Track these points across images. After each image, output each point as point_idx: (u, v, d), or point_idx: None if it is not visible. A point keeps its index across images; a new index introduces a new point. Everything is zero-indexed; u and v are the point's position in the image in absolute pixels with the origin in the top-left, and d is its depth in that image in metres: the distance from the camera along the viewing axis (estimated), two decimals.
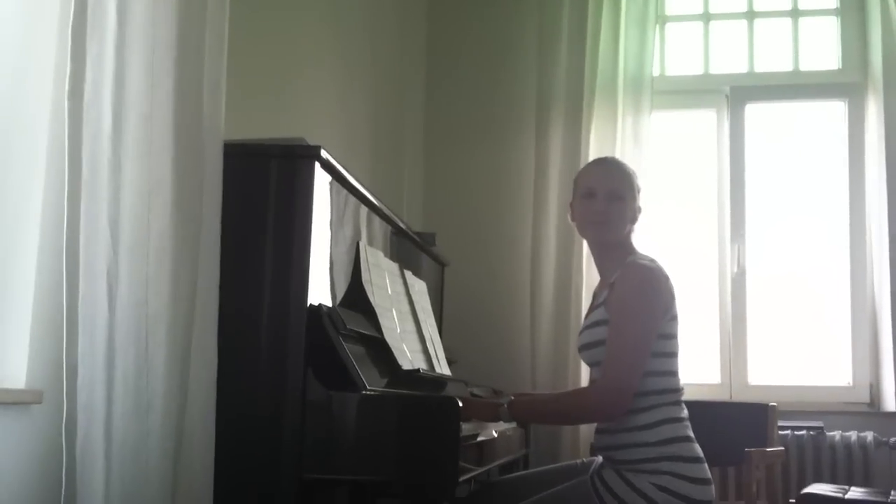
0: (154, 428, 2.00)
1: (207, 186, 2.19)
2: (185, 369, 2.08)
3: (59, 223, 1.92)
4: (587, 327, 2.52)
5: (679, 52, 4.79)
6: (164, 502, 2.00)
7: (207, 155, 2.20)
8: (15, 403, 1.84)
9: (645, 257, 2.50)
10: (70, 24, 1.88)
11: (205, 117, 2.21)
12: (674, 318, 2.44)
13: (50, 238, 1.91)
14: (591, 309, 2.56)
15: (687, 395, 2.48)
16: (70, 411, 1.84)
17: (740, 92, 4.65)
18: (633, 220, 2.55)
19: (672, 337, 2.44)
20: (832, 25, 4.64)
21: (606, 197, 2.51)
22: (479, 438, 2.48)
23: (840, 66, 4.58)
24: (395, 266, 2.88)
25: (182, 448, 2.07)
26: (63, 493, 1.83)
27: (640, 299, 2.39)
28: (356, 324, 2.37)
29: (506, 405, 2.42)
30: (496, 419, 2.46)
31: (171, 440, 2.03)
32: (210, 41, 2.23)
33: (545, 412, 2.60)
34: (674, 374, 2.44)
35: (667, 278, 2.45)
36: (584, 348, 2.53)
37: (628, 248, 2.52)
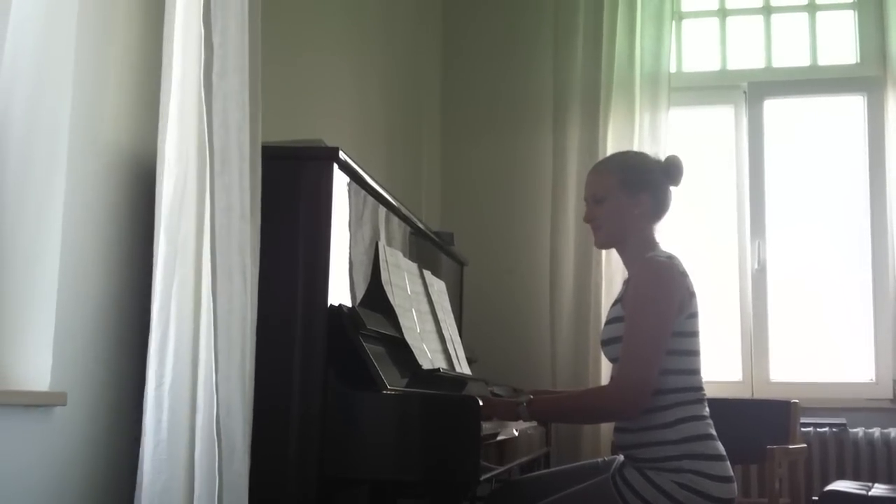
0: (237, 425, 2.03)
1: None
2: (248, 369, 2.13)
3: (83, 222, 1.95)
4: (607, 323, 2.51)
5: (696, 49, 4.77)
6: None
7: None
8: (39, 405, 1.86)
9: (663, 253, 2.47)
10: (200, 11, 1.99)
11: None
12: (692, 315, 2.41)
13: (72, 239, 1.93)
14: (612, 305, 2.55)
15: (708, 393, 2.46)
16: (217, 404, 1.96)
17: (758, 87, 4.63)
18: (633, 214, 2.47)
19: (691, 335, 2.41)
20: (849, 19, 4.62)
21: (591, 202, 2.53)
22: (500, 437, 2.47)
23: (858, 60, 4.55)
24: (414, 266, 2.88)
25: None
26: (217, 484, 1.92)
27: (653, 295, 2.37)
28: (376, 324, 2.38)
29: (525, 404, 2.42)
30: (516, 418, 2.45)
31: (247, 437, 2.08)
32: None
33: (564, 411, 2.59)
34: (695, 372, 2.42)
35: (683, 275, 2.42)
36: (604, 344, 2.52)
37: (648, 244, 2.49)
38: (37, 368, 1.87)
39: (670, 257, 2.45)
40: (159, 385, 1.98)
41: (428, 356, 2.58)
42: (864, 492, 3.28)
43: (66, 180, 1.92)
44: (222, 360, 1.97)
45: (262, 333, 2.17)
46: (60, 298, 1.90)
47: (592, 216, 2.52)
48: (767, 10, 4.72)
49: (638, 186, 2.49)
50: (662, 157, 2.56)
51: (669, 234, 2.58)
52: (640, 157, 2.68)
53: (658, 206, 2.52)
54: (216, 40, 2.02)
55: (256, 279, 2.11)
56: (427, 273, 3.00)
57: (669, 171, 2.52)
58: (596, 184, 2.53)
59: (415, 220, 3.00)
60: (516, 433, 2.67)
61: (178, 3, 2.08)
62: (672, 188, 2.54)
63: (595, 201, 2.52)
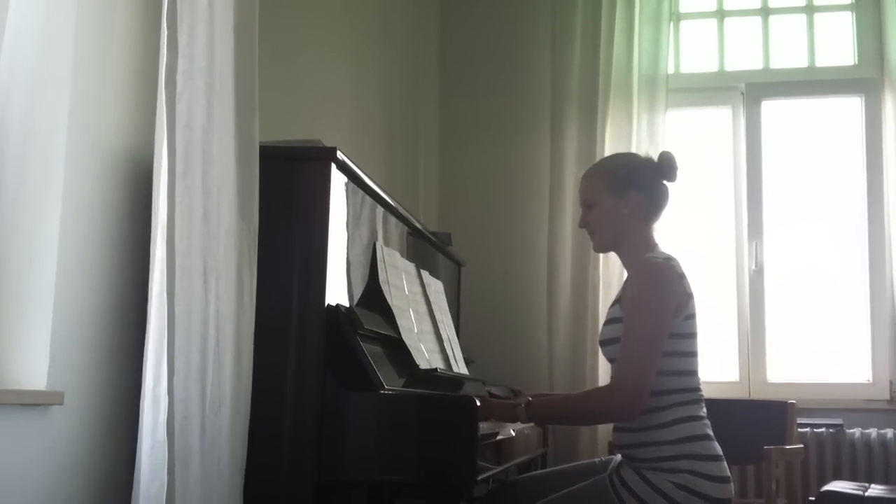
0: (224, 425, 2.03)
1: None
2: (243, 369, 2.12)
3: (81, 224, 1.95)
4: (606, 324, 2.51)
5: (694, 50, 4.78)
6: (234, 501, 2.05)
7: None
8: (36, 405, 1.86)
9: (662, 254, 2.47)
10: (164, 12, 1.98)
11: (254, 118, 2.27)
12: (689, 317, 2.41)
13: (70, 240, 1.93)
14: (611, 305, 2.55)
15: (705, 393, 2.46)
16: (170, 406, 1.93)
17: (756, 89, 4.63)
18: (624, 215, 2.47)
19: (689, 336, 2.41)
20: (847, 20, 4.62)
21: (584, 208, 2.55)
22: (498, 437, 2.48)
23: (856, 62, 4.56)
24: (411, 266, 2.88)
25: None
26: (165, 486, 1.91)
27: (649, 297, 2.37)
28: (374, 324, 2.38)
29: (523, 405, 2.42)
30: (514, 420, 2.45)
31: (239, 438, 2.08)
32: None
33: (562, 412, 2.59)
34: (692, 373, 2.42)
35: (681, 276, 2.42)
36: (602, 345, 2.53)
37: (646, 245, 2.49)
38: (34, 368, 1.87)
39: (668, 259, 2.45)
40: (156, 385, 1.98)
41: (425, 356, 2.58)
42: (860, 492, 3.28)
43: (64, 182, 1.92)
44: (179, 363, 1.95)
45: (258, 334, 2.17)
46: (58, 298, 1.90)
47: (585, 221, 2.55)
48: (765, 12, 4.72)
49: (625, 186, 2.48)
50: (656, 157, 2.56)
51: (667, 235, 2.58)
52: (628, 157, 2.70)
53: (651, 205, 2.50)
54: (182, 40, 2.00)
55: (233, 282, 2.10)
56: (425, 273, 3.00)
57: (661, 167, 2.52)
58: (586, 189, 2.55)
59: (412, 220, 3.00)
60: (513, 433, 2.67)
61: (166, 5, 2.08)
62: (670, 186, 2.54)
63: (587, 206, 2.54)
